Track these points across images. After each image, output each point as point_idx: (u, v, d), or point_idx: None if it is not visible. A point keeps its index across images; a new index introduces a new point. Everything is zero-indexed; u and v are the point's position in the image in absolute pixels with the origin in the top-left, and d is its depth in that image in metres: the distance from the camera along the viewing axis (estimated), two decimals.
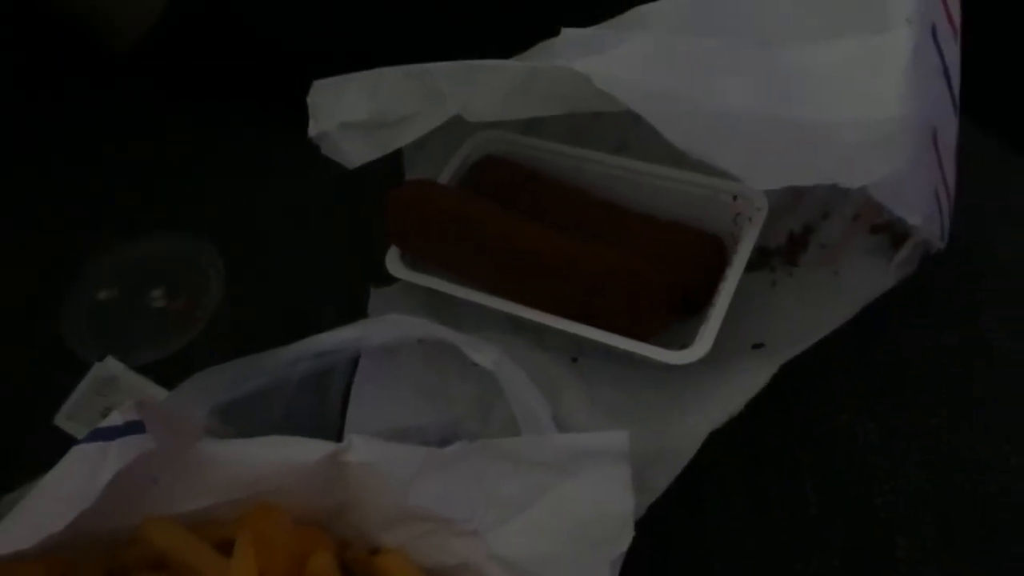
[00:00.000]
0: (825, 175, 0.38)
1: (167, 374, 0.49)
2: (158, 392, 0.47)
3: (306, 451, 0.36)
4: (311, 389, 0.41)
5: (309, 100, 0.44)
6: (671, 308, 0.43)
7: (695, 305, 0.44)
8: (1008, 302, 0.46)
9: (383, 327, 0.41)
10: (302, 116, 0.46)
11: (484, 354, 0.41)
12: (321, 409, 0.41)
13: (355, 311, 0.48)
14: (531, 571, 0.35)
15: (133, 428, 0.33)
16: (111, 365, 0.49)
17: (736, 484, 0.41)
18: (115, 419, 0.34)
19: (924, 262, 0.45)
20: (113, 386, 0.48)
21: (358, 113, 0.42)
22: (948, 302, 0.46)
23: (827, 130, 0.37)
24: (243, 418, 0.40)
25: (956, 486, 0.41)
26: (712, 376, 0.42)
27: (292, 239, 0.53)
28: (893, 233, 0.47)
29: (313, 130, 0.43)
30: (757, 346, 0.43)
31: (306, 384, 0.41)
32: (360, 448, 0.36)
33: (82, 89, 0.64)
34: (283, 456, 0.36)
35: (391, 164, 0.51)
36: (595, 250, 0.43)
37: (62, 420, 0.47)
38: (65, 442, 0.46)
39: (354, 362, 0.42)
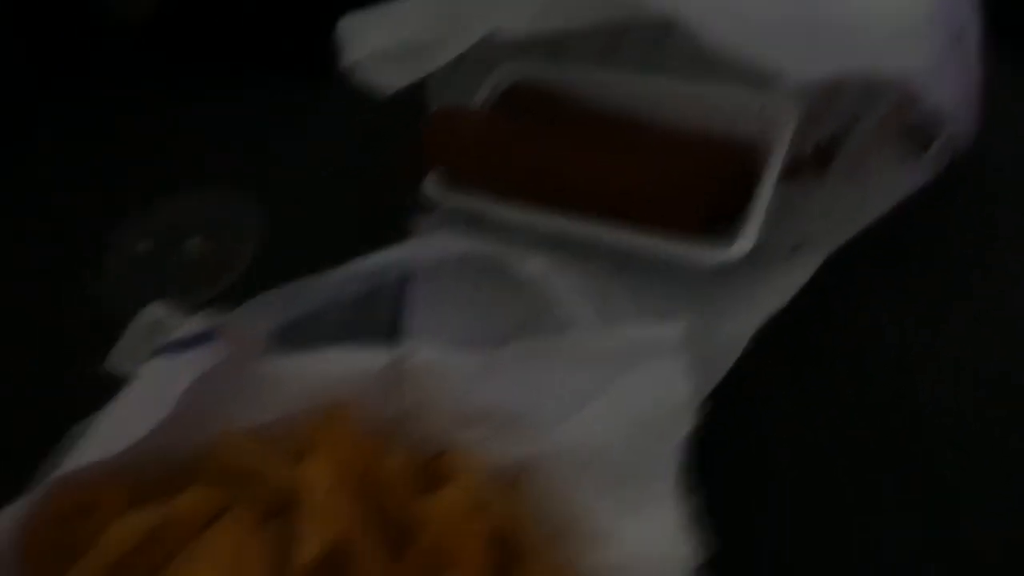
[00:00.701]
0: (860, 66, 0.39)
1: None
2: None
3: (370, 359, 0.37)
4: (361, 311, 0.41)
5: (338, 33, 0.44)
6: (707, 215, 0.44)
7: (729, 215, 0.45)
8: None
9: (430, 246, 0.42)
10: (325, 69, 0.47)
11: (531, 265, 0.42)
12: (371, 331, 0.42)
13: None
14: (595, 462, 0.36)
15: (203, 340, 0.34)
16: (156, 309, 0.49)
17: (778, 380, 0.42)
18: (185, 333, 0.34)
19: (952, 161, 0.46)
20: (160, 329, 0.49)
21: (388, 41, 0.43)
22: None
23: (862, 22, 0.38)
24: (296, 342, 0.40)
25: (993, 381, 0.42)
26: (753, 279, 0.43)
27: (323, 186, 0.54)
28: (919, 137, 0.48)
29: (345, 61, 0.44)
30: (795, 248, 0.44)
31: (356, 306, 0.41)
32: (423, 352, 0.37)
33: (101, 57, 0.64)
34: (347, 366, 0.37)
35: (418, 104, 0.52)
36: (631, 162, 0.44)
37: (113, 364, 0.48)
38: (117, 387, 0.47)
39: (403, 283, 0.43)
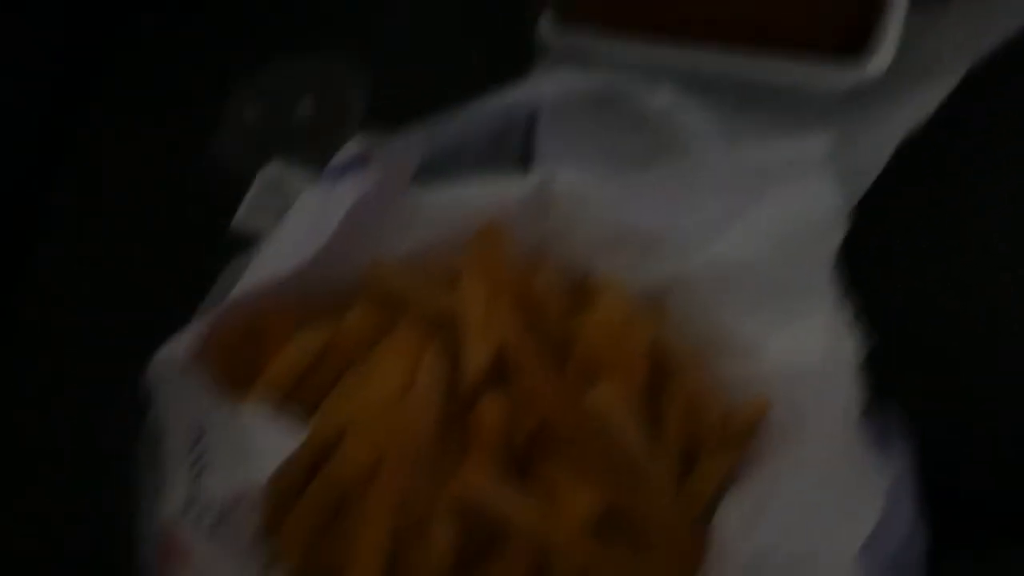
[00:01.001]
0: None
1: None
2: None
3: (514, 186, 0.38)
4: (492, 149, 0.42)
5: None
6: (838, 34, 0.43)
7: (856, 35, 0.44)
8: None
9: (556, 82, 0.42)
10: None
11: (659, 97, 0.42)
12: (504, 168, 0.43)
13: None
14: (743, 279, 0.36)
15: (358, 165, 0.35)
16: (276, 169, 0.50)
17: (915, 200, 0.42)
18: (339, 159, 0.35)
19: None
20: (284, 186, 0.50)
21: None
22: None
23: None
24: (433, 180, 0.41)
25: None
26: (886, 100, 0.42)
27: (428, 38, 0.54)
28: None
29: None
30: (927, 67, 0.43)
31: (489, 142, 0.42)
32: (567, 176, 0.38)
33: None
34: (492, 193, 0.38)
35: None
36: None
37: (241, 224, 0.49)
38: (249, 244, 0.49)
39: (531, 120, 0.43)
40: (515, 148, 0.43)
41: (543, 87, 0.42)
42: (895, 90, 0.42)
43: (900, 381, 0.36)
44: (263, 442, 0.27)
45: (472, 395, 0.34)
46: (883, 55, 0.40)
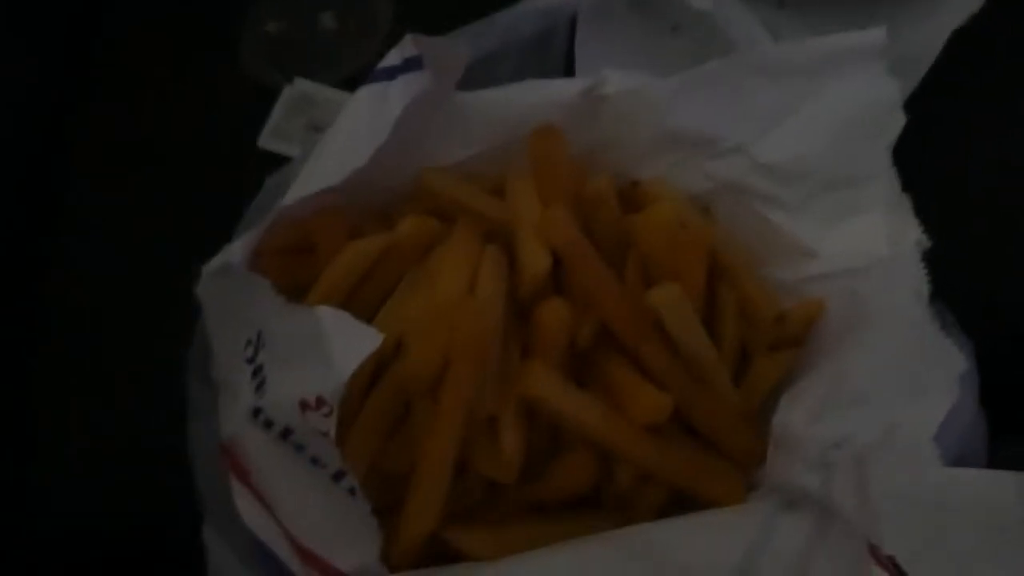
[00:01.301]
0: None
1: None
2: None
3: (564, 88, 0.37)
4: (533, 52, 0.41)
5: None
6: None
7: None
8: None
9: None
10: None
11: None
12: (546, 72, 0.42)
13: None
14: (804, 171, 0.36)
15: (411, 65, 0.34)
16: (302, 84, 0.49)
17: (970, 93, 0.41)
18: (393, 58, 0.34)
19: None
20: (310, 102, 0.48)
21: None
22: None
23: None
24: (477, 84, 0.40)
25: None
26: None
27: None
28: None
29: None
30: None
31: (528, 47, 0.41)
32: (616, 79, 0.37)
33: None
34: (542, 96, 0.37)
35: None
36: None
37: (267, 141, 0.48)
38: (277, 160, 0.48)
39: (571, 24, 0.42)
40: (557, 55, 0.42)
41: None
42: None
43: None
44: (340, 342, 0.27)
45: (532, 298, 0.33)
46: None
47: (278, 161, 0.47)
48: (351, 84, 0.49)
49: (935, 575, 0.25)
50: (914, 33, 0.40)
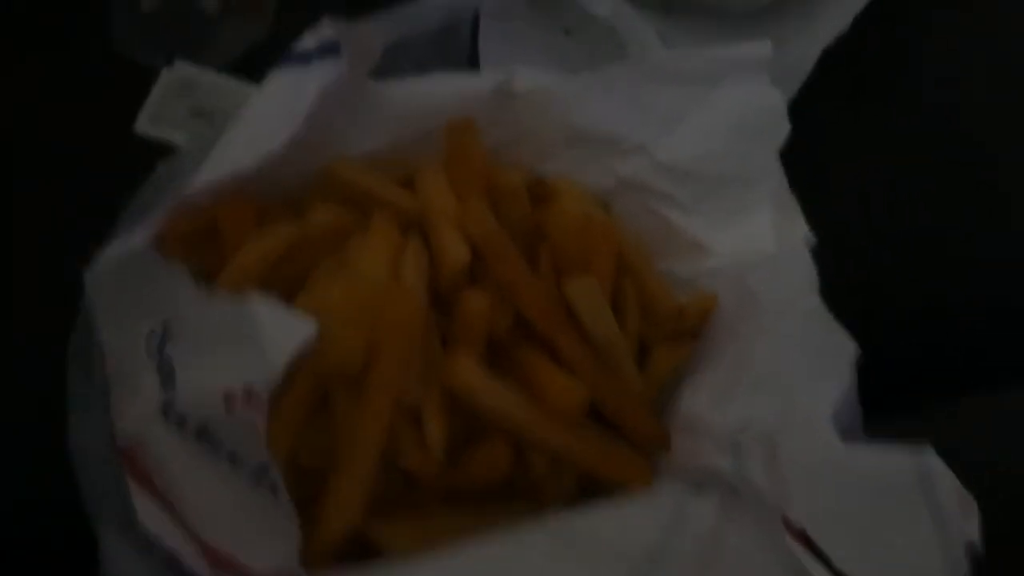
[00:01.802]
0: None
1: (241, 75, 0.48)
2: (241, 87, 0.46)
3: (475, 83, 0.37)
4: (437, 45, 0.41)
5: None
6: None
7: None
8: None
9: None
10: None
11: (600, 2, 0.42)
12: (448, 64, 0.42)
13: None
14: (699, 172, 0.38)
15: (326, 50, 0.33)
16: (183, 67, 0.46)
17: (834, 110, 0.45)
18: (308, 43, 0.33)
19: None
20: (192, 87, 0.46)
21: None
22: None
23: None
24: (379, 74, 0.39)
25: None
26: (807, 8, 0.45)
27: None
28: None
29: None
30: None
31: (432, 40, 0.41)
32: (526, 76, 0.38)
33: None
34: (453, 89, 0.37)
35: None
36: None
37: (145, 126, 0.46)
38: (155, 147, 0.45)
39: (474, 19, 0.42)
40: (460, 48, 0.42)
41: None
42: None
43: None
44: (271, 331, 0.26)
45: (451, 289, 0.33)
46: None
47: (157, 148, 0.45)
48: (236, 67, 0.48)
49: (841, 544, 0.27)
50: (790, 47, 0.44)
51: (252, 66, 0.47)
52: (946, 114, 0.45)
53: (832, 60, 0.43)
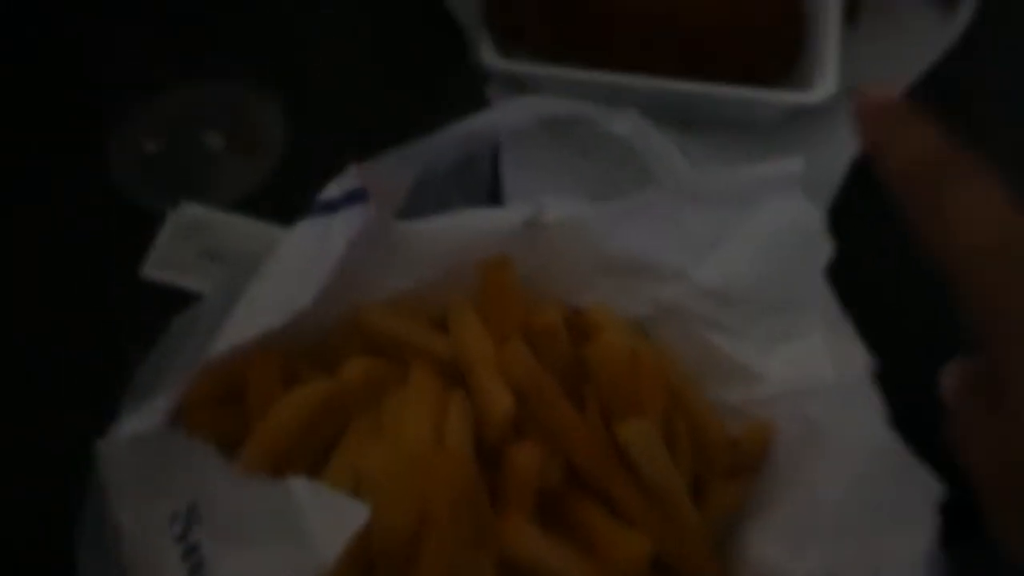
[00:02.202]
0: None
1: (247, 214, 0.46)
2: (253, 227, 0.45)
3: (504, 218, 0.36)
4: (457, 177, 0.39)
5: None
6: (773, 62, 0.45)
7: (779, 63, 0.46)
8: None
9: (519, 109, 0.40)
10: None
11: (621, 122, 0.41)
12: (469, 196, 0.40)
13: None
14: (742, 295, 0.36)
15: (354, 198, 0.31)
16: (191, 209, 0.45)
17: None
18: (334, 192, 0.32)
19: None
20: (200, 228, 0.44)
21: None
22: None
23: None
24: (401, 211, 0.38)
25: None
26: (820, 120, 0.44)
27: (345, 71, 0.50)
28: None
29: None
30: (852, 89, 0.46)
31: (452, 174, 0.39)
32: (556, 207, 0.36)
33: None
34: (483, 225, 0.36)
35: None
36: (696, 5, 0.44)
37: (152, 271, 0.44)
38: (161, 293, 0.43)
39: (494, 149, 0.41)
40: (481, 180, 0.41)
41: (507, 112, 0.40)
42: (833, 109, 0.45)
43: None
44: (318, 519, 0.23)
45: (497, 440, 0.31)
46: (829, 81, 0.42)
47: (166, 293, 0.43)
48: (244, 206, 0.46)
49: None
50: (818, 157, 0.43)
51: (260, 203, 0.46)
52: None
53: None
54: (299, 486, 0.24)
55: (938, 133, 0.22)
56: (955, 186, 0.21)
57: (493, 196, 0.42)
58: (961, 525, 0.34)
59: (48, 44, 0.52)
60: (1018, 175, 0.45)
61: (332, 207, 0.31)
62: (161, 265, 0.43)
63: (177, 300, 0.42)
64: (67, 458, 0.34)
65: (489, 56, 0.45)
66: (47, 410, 0.41)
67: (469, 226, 0.35)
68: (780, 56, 0.46)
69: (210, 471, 0.27)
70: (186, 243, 0.44)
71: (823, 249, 0.36)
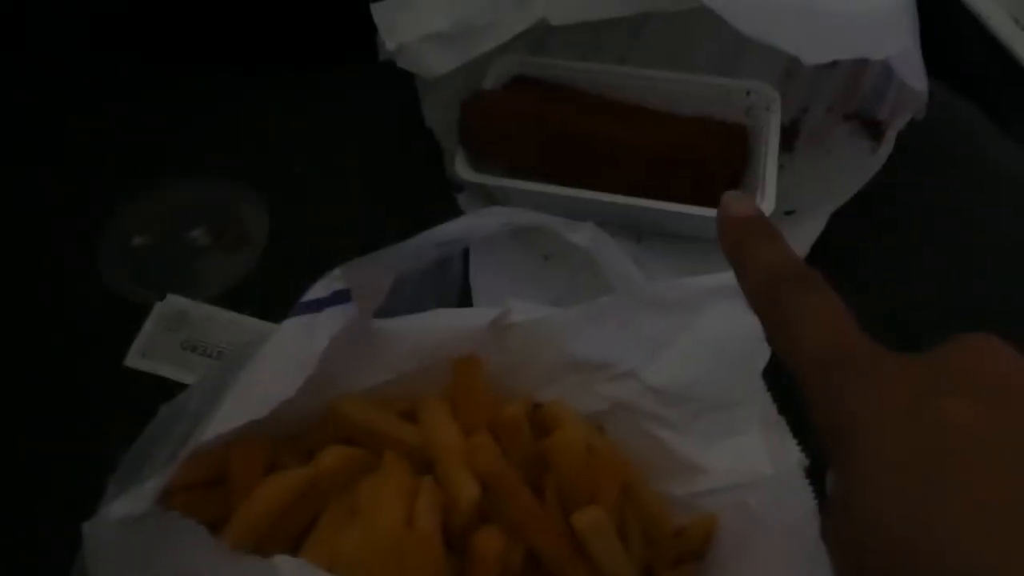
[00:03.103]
0: (855, 51, 0.45)
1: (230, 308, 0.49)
2: (237, 319, 0.47)
3: (473, 318, 0.39)
4: (431, 280, 0.43)
5: (377, 19, 0.46)
6: (719, 184, 0.49)
7: (728, 184, 0.51)
8: None
9: (489, 217, 0.44)
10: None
11: (580, 233, 0.45)
12: (441, 296, 0.44)
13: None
14: (687, 395, 0.40)
15: (338, 299, 0.34)
16: (176, 301, 0.47)
17: None
18: (320, 291, 0.34)
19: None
20: (184, 319, 0.47)
21: (439, 24, 0.45)
22: None
23: (859, 9, 0.45)
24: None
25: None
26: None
27: (323, 177, 0.54)
28: (861, 120, 0.56)
29: (390, 45, 0.45)
30: (789, 212, 0.51)
31: (426, 275, 0.43)
32: (520, 310, 0.39)
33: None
34: (453, 324, 0.39)
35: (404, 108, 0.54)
36: (649, 132, 0.48)
37: (135, 360, 0.46)
38: (145, 382, 0.45)
39: (464, 252, 0.45)
40: (453, 281, 0.44)
41: (478, 221, 0.44)
42: None
43: None
44: None
45: (464, 527, 0.34)
46: (768, 201, 0.47)
47: (150, 383, 0.45)
48: (227, 300, 0.49)
49: None
50: None
51: (243, 297, 0.48)
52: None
53: None
54: (284, 563, 0.26)
55: (787, 248, 0.24)
56: (799, 299, 0.23)
57: (463, 297, 0.45)
58: None
59: (39, 138, 0.55)
60: (941, 288, 0.50)
61: (317, 306, 0.34)
62: (144, 355, 0.46)
63: (158, 389, 0.45)
64: (49, 545, 0.35)
65: (462, 169, 0.49)
66: (32, 498, 0.43)
67: (441, 325, 0.39)
68: (725, 178, 0.51)
69: (198, 550, 0.29)
70: (170, 334, 0.46)
71: (761, 352, 0.40)
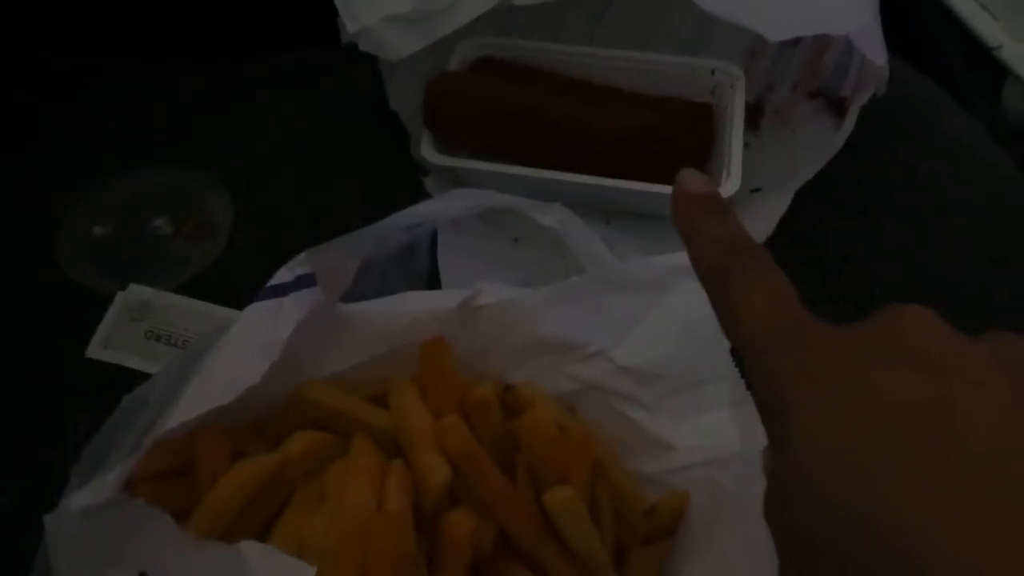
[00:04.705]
0: (817, 27, 0.46)
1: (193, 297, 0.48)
2: (202, 307, 0.46)
3: (442, 300, 0.39)
4: (398, 263, 0.42)
5: (337, 2, 0.45)
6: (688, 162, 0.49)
7: (695, 163, 0.51)
8: None
9: (457, 200, 0.44)
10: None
11: (550, 214, 0.45)
12: (410, 279, 0.43)
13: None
14: (657, 373, 0.40)
15: (303, 283, 0.34)
16: (139, 290, 0.47)
17: None
18: (285, 276, 0.34)
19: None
20: (148, 309, 0.46)
21: (400, 6, 0.44)
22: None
23: None
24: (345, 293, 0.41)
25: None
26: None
27: (292, 163, 0.54)
28: (825, 97, 0.57)
29: (351, 28, 0.44)
30: (755, 190, 0.51)
31: (393, 259, 0.42)
32: (489, 292, 0.39)
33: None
34: (422, 307, 0.38)
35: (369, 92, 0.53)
36: (615, 113, 0.48)
37: (97, 351, 0.45)
38: (107, 372, 0.45)
39: (432, 235, 0.44)
40: (421, 263, 0.44)
41: (445, 203, 0.44)
42: (737, 203, 0.49)
43: None
44: None
45: (434, 509, 0.33)
46: (733, 179, 0.47)
47: (112, 373, 0.45)
48: (192, 289, 0.48)
49: None
50: None
51: (208, 286, 0.48)
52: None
53: None
54: (250, 548, 0.26)
55: (737, 225, 0.24)
56: (744, 275, 0.23)
57: (431, 280, 0.45)
58: None
59: None
60: (906, 264, 0.50)
61: (282, 290, 0.34)
62: (107, 346, 0.45)
63: (122, 380, 0.44)
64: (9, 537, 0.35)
65: (428, 152, 0.49)
66: None
67: (409, 308, 0.38)
68: (692, 157, 0.51)
69: (162, 538, 0.28)
70: (133, 324, 0.46)
71: None
